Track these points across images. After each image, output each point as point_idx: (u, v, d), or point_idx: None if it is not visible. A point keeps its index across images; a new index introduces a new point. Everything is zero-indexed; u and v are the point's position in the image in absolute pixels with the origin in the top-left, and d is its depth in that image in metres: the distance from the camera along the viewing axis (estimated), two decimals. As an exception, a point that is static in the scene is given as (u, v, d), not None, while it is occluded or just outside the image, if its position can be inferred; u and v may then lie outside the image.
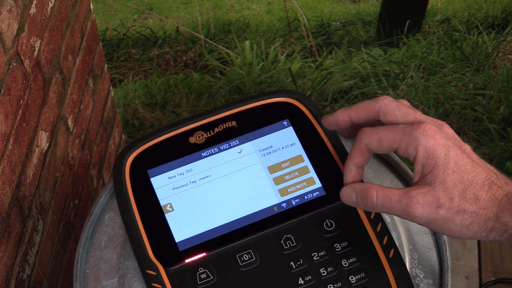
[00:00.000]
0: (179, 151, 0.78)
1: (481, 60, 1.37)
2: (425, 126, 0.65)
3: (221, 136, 0.79)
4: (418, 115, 0.68)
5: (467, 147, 0.66)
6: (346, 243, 0.73)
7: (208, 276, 0.72)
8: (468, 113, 1.45)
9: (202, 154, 0.78)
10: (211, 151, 0.78)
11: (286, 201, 0.75)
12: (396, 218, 0.81)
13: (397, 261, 0.71)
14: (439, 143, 0.64)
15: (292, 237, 0.73)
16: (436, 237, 0.79)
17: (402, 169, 0.84)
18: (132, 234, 0.74)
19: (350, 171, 0.70)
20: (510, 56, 1.37)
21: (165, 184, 0.76)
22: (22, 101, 0.97)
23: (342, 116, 0.71)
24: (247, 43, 1.34)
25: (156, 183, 0.76)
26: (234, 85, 1.40)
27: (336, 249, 0.73)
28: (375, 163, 0.86)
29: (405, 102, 0.70)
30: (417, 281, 0.77)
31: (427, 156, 0.65)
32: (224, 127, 0.79)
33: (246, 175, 0.77)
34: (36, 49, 1.01)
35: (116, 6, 1.28)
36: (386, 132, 0.67)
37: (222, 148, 0.78)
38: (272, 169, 0.77)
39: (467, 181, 0.64)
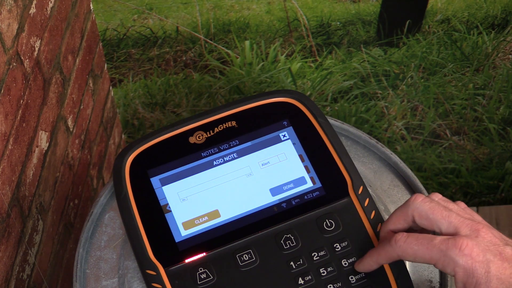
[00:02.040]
0: (179, 151, 0.78)
1: (481, 60, 1.37)
2: (461, 243, 0.63)
3: (221, 136, 0.79)
4: (453, 218, 0.66)
5: (509, 251, 0.64)
6: (346, 243, 0.73)
7: (208, 276, 0.72)
8: (468, 113, 1.45)
9: (202, 154, 0.78)
10: (211, 151, 0.78)
11: (286, 201, 0.75)
12: (396, 218, 0.81)
13: (397, 261, 0.71)
14: (478, 260, 0.63)
15: (292, 237, 0.73)
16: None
17: (402, 169, 0.84)
18: (132, 234, 0.74)
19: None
20: (510, 56, 1.37)
21: (165, 184, 0.76)
22: (22, 101, 0.97)
23: (387, 235, 0.70)
24: (247, 43, 1.34)
25: (156, 183, 0.76)
26: (234, 85, 1.40)
27: (336, 249, 0.73)
28: (375, 163, 0.86)
29: (437, 197, 0.69)
30: (417, 280, 0.77)
31: (467, 276, 0.63)
32: (224, 127, 0.79)
33: (246, 175, 0.77)
34: (36, 49, 1.01)
35: (116, 6, 1.28)
36: (421, 249, 0.65)
37: (222, 148, 0.78)
38: (272, 168, 0.78)
39: None
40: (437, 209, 0.67)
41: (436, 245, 0.64)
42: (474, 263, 0.63)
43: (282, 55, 1.36)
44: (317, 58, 1.36)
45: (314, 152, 0.78)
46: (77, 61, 1.19)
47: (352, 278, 0.71)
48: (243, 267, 0.72)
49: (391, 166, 0.86)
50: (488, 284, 0.62)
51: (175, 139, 0.79)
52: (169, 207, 0.75)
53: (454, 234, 0.65)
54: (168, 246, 0.73)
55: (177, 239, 0.74)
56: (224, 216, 0.75)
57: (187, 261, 0.73)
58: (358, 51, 1.35)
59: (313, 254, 0.72)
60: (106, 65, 1.36)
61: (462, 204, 0.69)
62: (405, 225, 0.69)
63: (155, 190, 0.76)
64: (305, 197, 0.76)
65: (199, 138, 0.79)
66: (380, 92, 1.41)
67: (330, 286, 0.71)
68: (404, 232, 0.67)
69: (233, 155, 0.78)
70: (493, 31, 1.33)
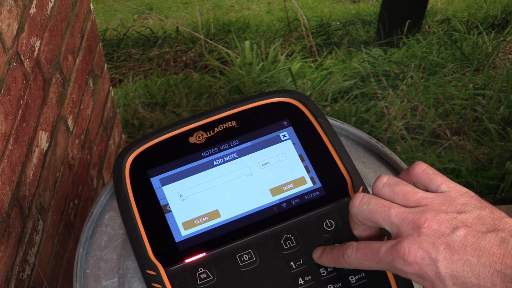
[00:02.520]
0: (179, 151, 0.78)
1: (481, 60, 1.37)
2: (403, 251, 0.60)
3: (221, 136, 0.79)
4: (393, 217, 0.62)
5: (459, 235, 0.60)
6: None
7: (208, 276, 0.72)
8: (468, 113, 1.45)
9: (202, 154, 0.78)
10: (211, 151, 0.78)
11: (286, 201, 0.75)
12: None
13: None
14: (424, 263, 0.60)
15: (292, 237, 0.73)
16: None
17: (402, 169, 0.84)
18: (132, 234, 0.74)
19: None
20: (510, 56, 1.37)
21: (165, 184, 0.76)
22: (22, 101, 0.97)
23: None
24: (247, 43, 1.34)
25: (156, 183, 0.76)
26: (234, 85, 1.40)
27: (336, 249, 0.73)
28: (375, 163, 0.86)
29: (381, 183, 0.65)
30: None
31: (422, 280, 0.60)
32: (224, 127, 0.79)
33: (246, 175, 0.77)
34: (36, 49, 1.01)
35: (116, 6, 1.28)
36: (371, 263, 0.63)
37: (222, 148, 0.78)
38: (272, 169, 0.77)
39: (473, 285, 0.59)
40: (375, 211, 0.64)
41: (383, 257, 0.62)
42: (422, 267, 0.60)
43: (282, 55, 1.36)
44: (317, 58, 1.36)
45: (314, 152, 0.78)
46: (77, 61, 1.19)
47: (352, 278, 0.71)
48: (243, 267, 0.72)
49: (391, 166, 0.86)
50: (443, 283, 0.59)
51: (175, 139, 0.79)
52: (169, 207, 0.75)
53: (398, 235, 0.62)
54: (168, 246, 0.73)
55: (177, 239, 0.74)
56: (224, 216, 0.75)
57: (187, 261, 0.73)
58: (358, 51, 1.35)
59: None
60: (106, 65, 1.36)
61: (420, 167, 0.65)
62: (366, 229, 0.67)
63: (155, 190, 0.76)
64: (305, 197, 0.76)
65: (199, 138, 0.79)
66: (380, 92, 1.41)
67: (330, 286, 0.71)
68: (353, 243, 0.65)
69: (233, 155, 0.78)
70: (493, 31, 1.33)
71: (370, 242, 0.64)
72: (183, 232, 0.74)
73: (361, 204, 0.65)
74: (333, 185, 0.76)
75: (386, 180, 0.65)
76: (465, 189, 0.64)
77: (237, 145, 0.78)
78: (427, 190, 0.65)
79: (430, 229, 0.61)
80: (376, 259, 0.63)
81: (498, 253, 0.59)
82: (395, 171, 0.85)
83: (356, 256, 0.65)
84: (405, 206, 0.64)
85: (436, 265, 0.60)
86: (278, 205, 0.75)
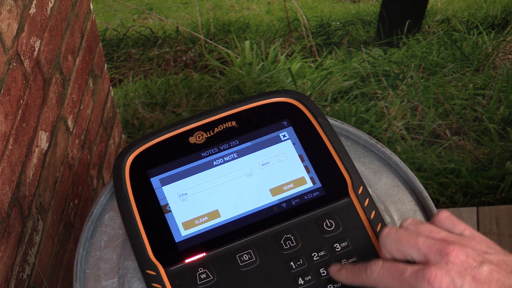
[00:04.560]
0: (179, 151, 0.78)
1: (481, 60, 1.37)
2: (430, 275, 0.61)
3: (221, 136, 0.79)
4: (421, 244, 0.63)
5: (483, 271, 0.61)
6: (346, 243, 0.73)
7: (208, 276, 0.72)
8: (468, 113, 1.45)
9: (202, 154, 0.78)
10: (211, 151, 0.78)
11: (286, 201, 0.75)
12: (396, 218, 0.81)
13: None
14: None
15: (292, 237, 0.73)
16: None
17: (402, 169, 0.84)
18: (132, 234, 0.74)
19: None
20: (510, 56, 1.37)
21: (165, 184, 0.76)
22: (22, 101, 0.97)
23: None
24: (247, 43, 1.34)
25: (155, 183, 0.76)
26: (234, 85, 1.40)
27: (336, 249, 0.73)
28: (375, 163, 0.86)
29: (407, 222, 0.66)
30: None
31: None
32: (224, 127, 0.79)
33: (246, 175, 0.77)
34: (36, 49, 1.01)
35: (116, 6, 1.28)
36: (393, 282, 0.63)
37: (222, 148, 0.78)
38: (272, 169, 0.77)
39: None
40: (403, 238, 0.65)
41: (406, 278, 0.62)
42: None
43: (282, 55, 1.36)
44: (317, 58, 1.36)
45: (314, 152, 0.78)
46: (77, 61, 1.19)
47: (352, 278, 0.71)
48: (243, 267, 0.72)
49: (391, 166, 0.86)
50: None
51: (175, 139, 0.79)
52: (169, 207, 0.75)
53: (425, 262, 0.63)
54: (168, 246, 0.73)
55: (177, 239, 0.74)
56: (224, 216, 0.75)
57: (187, 261, 0.73)
58: (358, 51, 1.35)
59: (313, 254, 0.72)
60: (106, 65, 1.36)
61: (444, 214, 0.67)
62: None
63: (155, 190, 0.76)
64: (305, 197, 0.76)
65: (199, 138, 0.79)
66: (380, 92, 1.41)
67: (330, 286, 0.71)
68: (380, 261, 0.65)
69: (233, 155, 0.78)
70: (493, 31, 1.33)
71: (396, 262, 0.64)
72: (183, 232, 0.74)
73: (390, 233, 0.66)
74: (333, 185, 0.76)
75: (411, 220, 0.67)
76: (488, 238, 0.65)
77: (237, 145, 0.78)
78: None
79: (458, 258, 0.61)
80: (400, 279, 0.63)
81: None
82: (395, 171, 0.85)
83: (380, 272, 0.64)
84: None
85: None
86: (278, 205, 0.75)
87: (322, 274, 0.71)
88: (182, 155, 0.78)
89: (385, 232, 0.66)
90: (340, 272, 0.69)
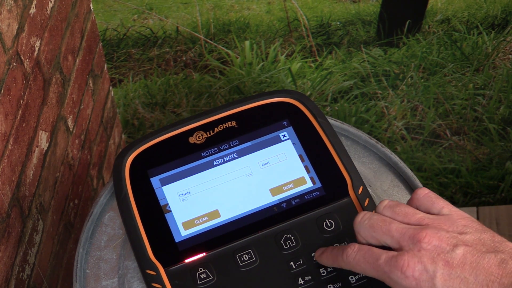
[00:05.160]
0: (179, 151, 0.78)
1: (481, 60, 1.37)
2: (403, 263, 0.60)
3: (221, 136, 0.79)
4: (394, 231, 0.63)
5: (458, 253, 0.60)
6: (346, 242, 0.73)
7: (208, 276, 0.72)
8: (468, 113, 1.45)
9: (202, 154, 0.78)
10: (210, 151, 0.78)
11: (286, 201, 0.75)
12: (396, 218, 0.81)
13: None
14: (422, 279, 0.60)
15: (292, 237, 0.73)
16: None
17: (402, 169, 0.84)
18: (132, 234, 0.74)
19: None
20: (510, 56, 1.37)
21: (165, 184, 0.76)
22: (22, 101, 0.97)
23: None
24: (247, 43, 1.34)
25: (155, 183, 0.76)
26: (234, 85, 1.40)
27: (336, 249, 0.73)
28: (375, 163, 0.86)
29: (383, 205, 0.66)
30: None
31: None
32: (224, 127, 0.79)
33: (246, 175, 0.77)
34: (36, 49, 1.01)
35: (116, 6, 1.28)
36: (368, 268, 0.63)
37: (221, 148, 0.78)
38: (272, 169, 0.77)
39: None
40: (376, 225, 0.64)
41: (381, 265, 0.62)
42: (419, 282, 0.60)
43: (282, 55, 1.36)
44: (317, 58, 1.36)
45: (314, 152, 0.78)
46: (77, 61, 1.19)
47: (352, 278, 0.71)
48: (243, 267, 0.72)
49: (391, 166, 0.86)
50: None
51: (175, 139, 0.79)
52: (169, 207, 0.75)
53: (398, 249, 0.62)
54: (168, 246, 0.73)
55: (177, 239, 0.74)
56: (224, 216, 0.75)
57: (187, 261, 0.73)
58: (358, 51, 1.35)
59: (313, 254, 0.72)
60: (106, 65, 1.36)
61: (421, 192, 0.66)
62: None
63: (155, 190, 0.76)
64: (305, 197, 0.76)
65: (199, 138, 0.79)
66: (380, 92, 1.41)
67: (330, 286, 0.71)
68: (356, 245, 0.65)
69: (233, 155, 0.78)
70: (493, 31, 1.33)
71: (372, 248, 0.64)
72: (183, 232, 0.74)
73: (363, 220, 0.65)
74: (333, 185, 0.76)
75: (387, 202, 0.66)
76: (466, 214, 0.64)
77: (237, 145, 0.78)
78: (428, 213, 0.65)
79: (430, 244, 0.61)
80: (374, 265, 0.63)
81: (496, 273, 0.59)
82: (395, 171, 0.85)
83: (355, 257, 0.65)
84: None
85: (433, 281, 0.60)
86: (278, 205, 0.75)
87: (322, 274, 0.71)
88: (182, 155, 0.78)
89: (359, 219, 0.66)
90: (322, 255, 0.70)
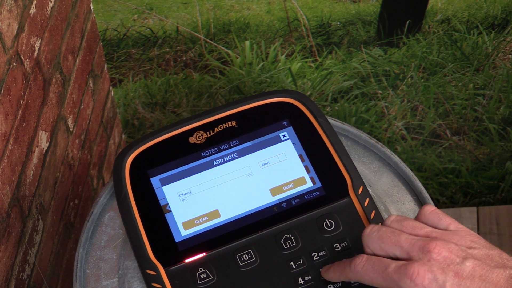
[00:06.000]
0: (179, 151, 0.78)
1: (481, 60, 1.37)
2: (412, 272, 0.60)
3: (221, 136, 0.79)
4: (403, 241, 0.63)
5: (467, 267, 0.61)
6: (346, 243, 0.73)
7: (208, 276, 0.72)
8: (468, 113, 1.45)
9: (202, 154, 0.78)
10: (211, 151, 0.78)
11: (286, 201, 0.75)
12: (396, 218, 0.81)
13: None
14: (431, 287, 0.60)
15: (292, 237, 0.73)
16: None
17: (402, 169, 0.84)
18: (132, 234, 0.74)
19: None
20: (510, 56, 1.37)
21: (165, 184, 0.76)
22: (22, 101, 0.97)
23: None
24: (247, 43, 1.34)
25: (155, 183, 0.76)
26: (234, 85, 1.40)
27: (336, 249, 0.73)
28: (375, 163, 0.86)
29: (390, 219, 0.66)
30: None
31: None
32: (224, 127, 0.79)
33: (246, 175, 0.77)
34: (36, 49, 1.01)
35: (116, 6, 1.28)
36: (376, 277, 0.63)
37: (222, 148, 0.78)
38: (272, 169, 0.77)
39: None
40: (385, 237, 0.64)
41: (390, 274, 0.62)
42: None
43: (282, 55, 1.36)
44: (317, 58, 1.36)
45: (314, 152, 0.78)
46: (77, 61, 1.19)
47: (352, 278, 0.71)
48: (243, 267, 0.72)
49: (391, 166, 0.86)
50: None
51: (175, 139, 0.79)
52: (169, 207, 0.75)
53: (408, 259, 0.63)
54: (168, 246, 0.73)
55: (177, 239, 0.74)
56: (224, 216, 0.75)
57: (187, 261, 0.73)
58: (358, 51, 1.35)
59: (313, 254, 0.72)
60: (106, 65, 1.36)
61: (428, 208, 0.66)
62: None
63: (155, 190, 0.76)
64: (305, 197, 0.76)
65: (199, 138, 0.79)
66: (380, 92, 1.41)
67: (330, 286, 0.71)
68: (364, 255, 0.65)
69: (233, 155, 0.78)
70: (493, 31, 1.33)
71: (381, 258, 0.64)
72: (183, 232, 0.74)
73: (372, 232, 0.65)
74: (333, 185, 0.76)
75: (395, 217, 0.67)
76: (473, 232, 0.65)
77: (237, 145, 0.78)
78: None
79: (440, 255, 0.61)
80: (383, 274, 0.63)
81: (504, 287, 0.59)
82: (395, 171, 0.85)
83: (364, 267, 0.64)
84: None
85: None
86: (278, 205, 0.75)
87: (322, 274, 0.71)
88: (182, 155, 0.78)
89: (367, 231, 0.66)
90: (328, 270, 0.69)
